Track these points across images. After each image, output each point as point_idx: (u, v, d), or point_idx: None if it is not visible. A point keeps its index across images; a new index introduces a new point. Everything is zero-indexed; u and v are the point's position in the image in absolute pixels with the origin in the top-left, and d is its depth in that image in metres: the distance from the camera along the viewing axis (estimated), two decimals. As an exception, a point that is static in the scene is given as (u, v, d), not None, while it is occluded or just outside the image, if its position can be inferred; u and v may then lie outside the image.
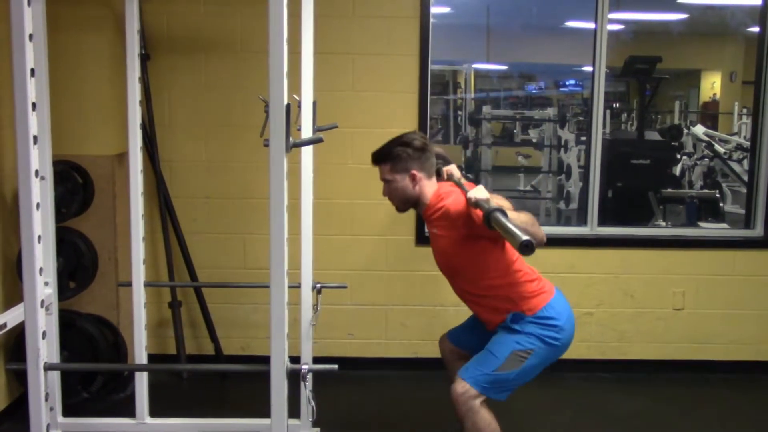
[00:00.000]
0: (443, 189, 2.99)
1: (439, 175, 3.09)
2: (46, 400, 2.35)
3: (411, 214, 4.33)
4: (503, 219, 2.49)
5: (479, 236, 2.80)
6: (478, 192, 2.71)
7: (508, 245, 2.88)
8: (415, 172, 2.97)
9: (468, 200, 2.73)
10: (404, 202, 3.06)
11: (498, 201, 2.72)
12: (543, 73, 10.39)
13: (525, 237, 2.32)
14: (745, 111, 8.93)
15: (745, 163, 7.09)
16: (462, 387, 2.83)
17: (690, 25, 9.16)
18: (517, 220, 2.56)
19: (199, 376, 4.43)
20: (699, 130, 7.73)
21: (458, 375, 2.89)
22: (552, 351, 2.89)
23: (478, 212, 2.66)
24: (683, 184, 7.41)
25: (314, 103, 3.39)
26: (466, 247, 2.87)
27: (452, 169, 3.13)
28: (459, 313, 3.37)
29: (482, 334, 3.03)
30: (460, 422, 2.89)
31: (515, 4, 8.66)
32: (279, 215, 2.17)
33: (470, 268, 2.93)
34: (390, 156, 3.00)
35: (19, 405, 3.69)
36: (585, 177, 4.72)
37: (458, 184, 3.00)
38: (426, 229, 4.37)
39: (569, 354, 4.49)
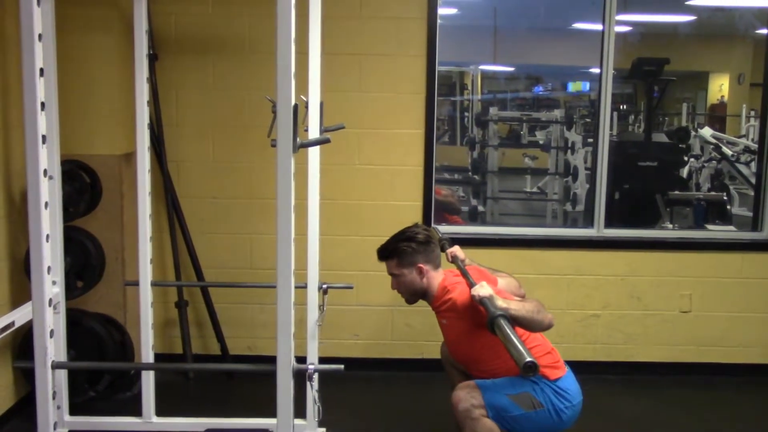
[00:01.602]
0: (449, 280, 3.06)
1: (443, 252, 3.17)
2: (54, 398, 2.36)
3: (417, 214, 4.35)
4: (507, 329, 2.50)
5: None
6: (482, 290, 2.74)
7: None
8: (421, 265, 3.06)
9: (472, 297, 2.77)
10: (413, 294, 3.14)
11: (504, 284, 2.81)
12: (550, 74, 10.37)
13: (528, 358, 2.31)
14: (753, 113, 8.87)
15: (753, 165, 7.06)
16: (467, 393, 2.85)
17: (698, 27, 9.13)
18: (523, 311, 2.64)
19: (206, 375, 4.44)
20: (706, 132, 7.70)
21: (474, 382, 2.90)
22: (553, 423, 2.89)
23: (483, 311, 2.69)
24: (690, 187, 7.37)
25: (321, 104, 3.39)
26: (476, 336, 2.90)
27: (456, 251, 3.26)
28: (465, 314, 3.37)
29: None
30: (459, 427, 2.89)
31: (522, 6, 8.64)
32: (286, 215, 2.18)
33: (483, 354, 2.96)
34: (396, 252, 3.11)
35: (27, 403, 3.70)
36: (592, 179, 4.71)
37: (462, 271, 3.06)
38: (431, 226, 4.37)
39: (575, 355, 4.51)
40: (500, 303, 2.66)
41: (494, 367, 2.94)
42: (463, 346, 3.02)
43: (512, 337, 2.45)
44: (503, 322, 2.52)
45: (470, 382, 2.91)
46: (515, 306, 2.67)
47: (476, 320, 2.84)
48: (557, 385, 2.89)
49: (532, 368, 2.30)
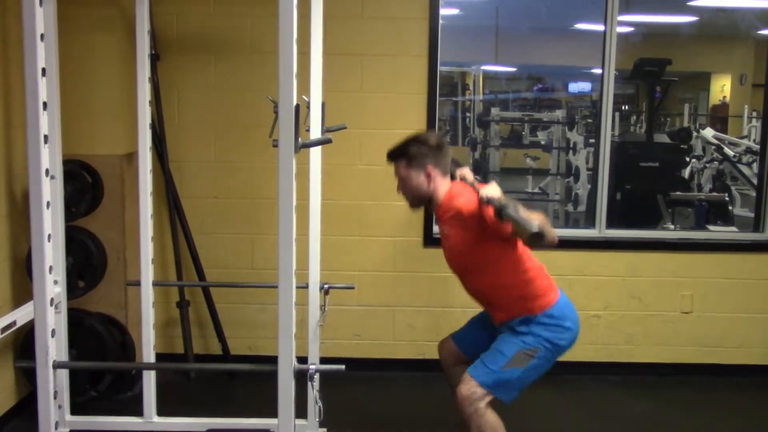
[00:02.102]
0: (456, 188, 2.99)
1: (452, 176, 3.10)
2: (55, 398, 2.36)
3: (419, 215, 4.34)
4: (514, 212, 2.51)
5: (491, 236, 2.80)
6: (491, 190, 2.72)
7: (519, 244, 2.88)
8: (430, 169, 2.98)
9: (480, 198, 2.73)
10: (418, 198, 3.06)
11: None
12: (552, 75, 10.38)
13: (536, 228, 2.35)
14: (754, 114, 8.87)
15: (755, 166, 7.06)
16: (468, 389, 2.83)
17: (700, 28, 9.14)
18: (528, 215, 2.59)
19: (207, 375, 4.44)
20: (708, 132, 7.70)
21: (466, 373, 2.89)
22: (557, 351, 2.90)
23: (490, 209, 2.66)
24: (692, 187, 7.38)
25: (323, 104, 3.39)
26: (478, 247, 2.87)
27: (465, 171, 3.14)
28: (466, 314, 3.37)
29: (487, 336, 3.03)
30: (465, 424, 2.89)
31: (524, 6, 8.65)
32: (287, 215, 2.18)
33: (481, 267, 2.93)
34: (406, 153, 3.01)
35: (28, 403, 3.70)
36: (593, 179, 4.72)
37: (471, 185, 3.00)
38: (435, 230, 4.38)
39: (576, 356, 4.49)
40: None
41: (487, 279, 2.93)
42: (462, 256, 2.97)
43: (520, 216, 2.47)
44: (510, 208, 2.53)
45: (465, 375, 2.89)
46: (524, 211, 2.63)
47: (479, 230, 2.80)
48: (546, 317, 2.86)
49: (539, 237, 2.37)
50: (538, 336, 2.86)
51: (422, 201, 3.06)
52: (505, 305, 2.94)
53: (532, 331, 2.86)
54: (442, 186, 3.00)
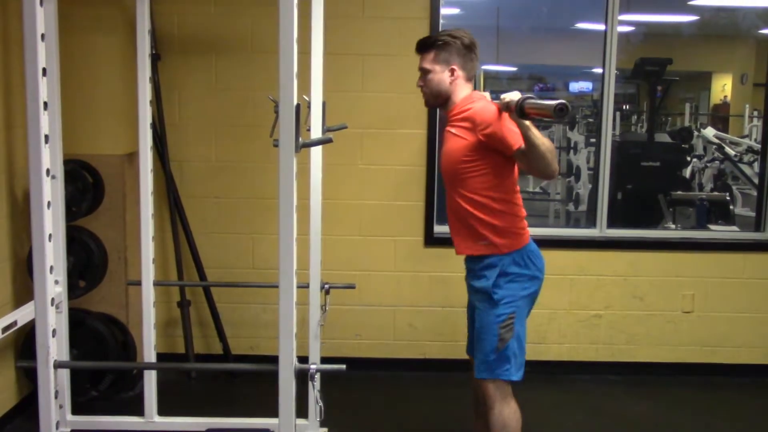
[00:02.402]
0: (476, 95, 2.95)
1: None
2: (56, 397, 2.37)
3: (420, 215, 4.35)
4: (534, 100, 2.50)
5: (494, 150, 2.76)
6: (512, 94, 2.64)
7: (515, 173, 2.87)
8: (455, 66, 2.93)
9: (501, 104, 2.67)
10: (436, 96, 3.00)
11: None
12: (553, 74, 10.37)
13: (558, 102, 2.35)
14: (756, 113, 8.86)
15: (756, 165, 7.05)
16: (489, 388, 2.87)
17: (701, 27, 9.12)
18: (543, 142, 2.59)
19: (208, 375, 4.44)
20: (709, 132, 7.70)
21: (477, 379, 2.91)
22: (529, 299, 2.91)
23: (503, 125, 2.67)
24: (693, 187, 7.37)
25: (324, 104, 3.39)
26: (477, 155, 2.81)
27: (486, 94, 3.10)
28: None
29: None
30: (484, 411, 2.91)
31: (525, 6, 8.63)
32: (288, 215, 2.18)
33: (473, 178, 2.86)
34: (437, 44, 2.96)
35: (29, 402, 3.70)
36: (594, 179, 4.72)
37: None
38: (435, 230, 4.38)
39: (578, 356, 4.51)
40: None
41: (471, 195, 2.87)
42: (458, 160, 2.88)
43: (541, 101, 2.46)
44: (530, 99, 2.52)
45: (479, 382, 2.91)
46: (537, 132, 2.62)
47: (485, 139, 2.76)
48: (511, 263, 2.85)
49: (563, 109, 2.36)
50: (505, 295, 2.84)
51: (440, 98, 3.00)
52: (475, 230, 2.88)
53: (498, 288, 2.84)
54: (463, 89, 2.95)
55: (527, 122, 2.56)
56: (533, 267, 2.90)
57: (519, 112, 2.55)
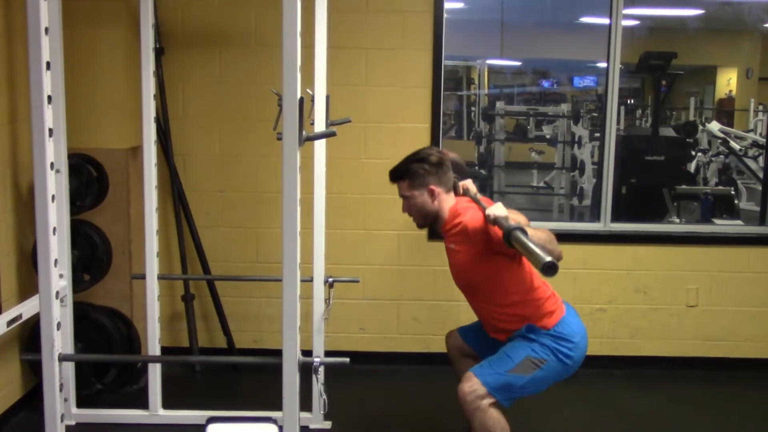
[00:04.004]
0: (460, 204, 2.99)
1: (455, 190, 3.10)
2: (61, 390, 2.37)
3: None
4: (524, 238, 2.47)
5: (497, 252, 2.80)
6: (497, 209, 2.71)
7: (525, 261, 2.86)
8: (433, 187, 2.98)
9: (486, 217, 2.73)
10: (424, 217, 3.06)
11: (515, 218, 2.73)
12: (557, 68, 10.35)
13: (548, 258, 2.30)
14: (761, 108, 8.86)
15: (761, 159, 7.05)
16: (470, 386, 2.83)
17: (706, 21, 9.10)
18: (535, 238, 2.55)
19: (212, 368, 4.45)
20: (714, 126, 7.69)
21: (470, 371, 2.89)
22: (563, 368, 2.88)
23: (497, 230, 2.65)
24: (698, 181, 7.37)
25: (327, 97, 3.40)
26: (484, 264, 2.87)
27: (468, 183, 3.15)
28: (471, 308, 3.37)
29: (491, 341, 3.03)
30: (467, 421, 2.89)
31: (529, 0, 8.63)
32: (292, 209, 2.18)
33: (488, 285, 2.93)
34: (407, 172, 3.02)
35: (34, 395, 3.72)
36: (598, 173, 4.70)
37: (475, 200, 3.00)
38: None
39: (581, 350, 4.47)
40: (515, 219, 2.63)
41: (494, 297, 2.92)
42: (468, 273, 2.97)
43: (529, 243, 2.42)
44: (519, 233, 2.50)
45: (468, 374, 2.89)
46: (530, 231, 2.61)
47: (485, 246, 2.80)
48: (557, 332, 2.85)
49: (551, 268, 2.29)
50: (546, 346, 2.85)
51: (428, 219, 3.07)
52: (509, 323, 2.93)
53: (540, 340, 2.86)
54: (447, 202, 3.01)
55: (518, 227, 2.55)
56: (576, 336, 2.89)
57: (506, 240, 2.56)
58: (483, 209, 2.80)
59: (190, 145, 4.35)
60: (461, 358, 3.24)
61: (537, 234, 2.62)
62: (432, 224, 3.10)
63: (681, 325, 4.52)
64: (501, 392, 2.83)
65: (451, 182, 3.05)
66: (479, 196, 3.06)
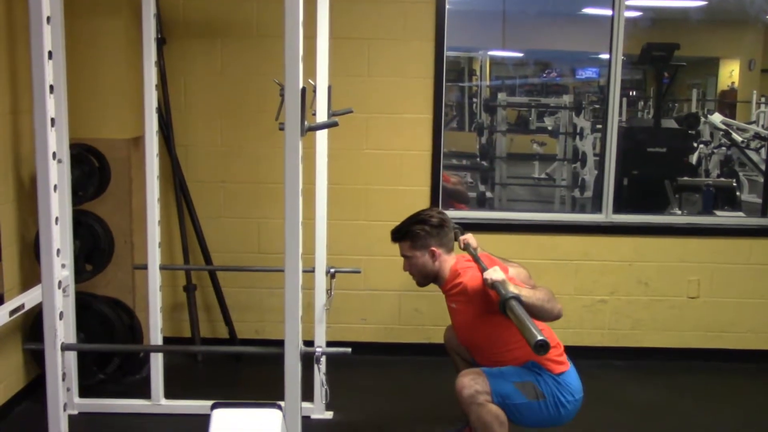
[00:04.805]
0: (460, 264, 3.05)
1: (456, 240, 3.17)
2: (63, 380, 2.38)
3: (425, 199, 4.35)
4: (519, 311, 2.50)
5: (497, 311, 2.79)
6: (495, 273, 2.74)
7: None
8: (434, 248, 3.06)
9: (484, 281, 2.77)
10: (425, 276, 3.14)
11: (515, 273, 2.85)
12: (559, 60, 10.31)
13: (540, 337, 2.31)
14: (763, 99, 8.82)
15: (763, 152, 7.03)
16: (472, 380, 2.84)
17: (709, 12, 9.05)
18: (534, 299, 2.63)
19: (214, 359, 4.46)
20: (716, 118, 7.65)
21: (480, 369, 2.91)
22: (555, 415, 2.88)
23: (495, 294, 2.69)
24: (700, 173, 7.34)
25: (329, 88, 3.39)
26: (485, 321, 2.91)
27: (469, 238, 3.25)
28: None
29: None
30: (464, 413, 2.90)
31: (531, -9, 8.60)
32: (293, 200, 2.18)
33: (491, 340, 2.96)
34: (409, 234, 3.10)
35: (37, 385, 3.73)
36: (600, 165, 4.70)
37: (474, 257, 3.07)
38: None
39: (583, 341, 4.52)
40: (512, 287, 2.66)
41: (499, 355, 2.95)
42: (470, 331, 3.03)
43: (524, 318, 2.45)
44: (515, 304, 2.53)
45: (475, 369, 2.91)
46: (526, 293, 2.66)
47: (485, 306, 2.85)
48: (561, 379, 2.89)
49: (543, 347, 2.29)
50: (548, 385, 2.87)
51: (429, 278, 3.14)
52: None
53: (544, 377, 2.88)
54: (447, 263, 3.08)
55: (514, 296, 2.57)
56: (576, 391, 2.91)
57: (501, 310, 2.59)
58: (482, 270, 2.86)
59: (192, 135, 4.35)
60: (459, 352, 3.26)
61: (536, 294, 2.69)
62: (432, 283, 3.17)
63: (682, 316, 4.53)
64: (500, 398, 2.83)
65: (452, 243, 3.15)
66: (479, 251, 3.15)
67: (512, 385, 2.85)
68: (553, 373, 2.89)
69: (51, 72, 2.18)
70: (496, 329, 2.90)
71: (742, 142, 7.35)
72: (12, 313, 3.18)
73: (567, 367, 2.95)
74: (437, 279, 3.12)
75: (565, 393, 2.88)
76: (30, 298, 3.31)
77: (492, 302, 2.79)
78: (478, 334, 2.99)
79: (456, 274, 3.02)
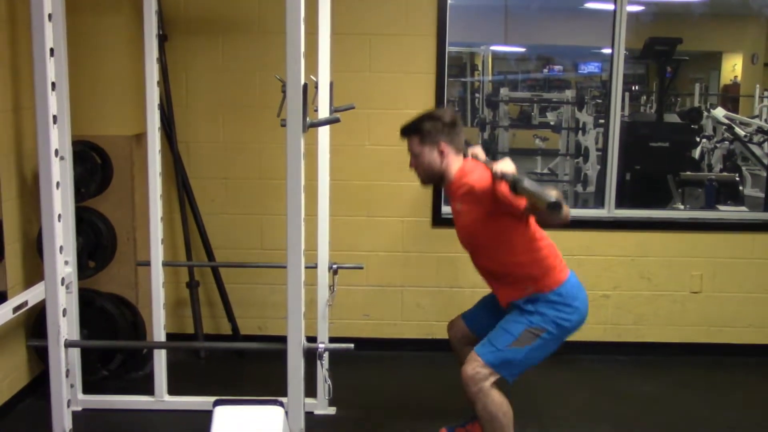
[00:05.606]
0: (468, 165, 2.98)
1: (464, 157, 3.09)
2: (67, 376, 2.39)
3: (427, 195, 4.34)
4: (529, 184, 2.49)
5: (503, 213, 2.80)
6: (505, 165, 2.70)
7: (532, 222, 2.88)
8: (443, 146, 2.97)
9: (494, 174, 2.71)
10: (430, 175, 3.05)
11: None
12: (561, 54, 10.31)
13: (554, 198, 2.33)
14: (766, 93, 8.82)
15: (766, 146, 7.03)
16: (473, 368, 2.85)
17: (711, 7, 9.05)
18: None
19: (217, 355, 4.47)
20: (719, 112, 7.65)
21: (473, 351, 2.91)
22: (563, 332, 2.90)
23: (505, 189, 2.65)
24: (702, 167, 7.34)
25: (331, 84, 3.39)
26: (490, 224, 2.87)
27: (477, 150, 3.12)
28: (475, 294, 3.38)
29: (496, 315, 3.03)
30: (471, 404, 2.91)
31: (534, -15, 8.59)
32: (296, 196, 2.18)
33: (494, 244, 2.93)
34: (420, 129, 3.00)
35: (41, 382, 3.74)
36: (603, 160, 4.70)
37: (484, 163, 2.99)
38: (443, 210, 4.38)
39: (586, 336, 4.48)
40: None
41: (503, 258, 2.93)
42: (473, 233, 2.97)
43: (535, 187, 2.45)
44: (526, 179, 2.52)
45: (472, 354, 2.91)
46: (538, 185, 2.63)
47: (493, 206, 2.80)
48: (555, 295, 2.87)
49: (557, 206, 2.34)
50: (545, 315, 2.86)
51: (434, 178, 3.05)
52: (514, 283, 2.94)
53: (539, 310, 2.87)
54: (455, 163, 2.99)
55: (527, 183, 2.55)
56: (576, 300, 2.92)
57: (513, 189, 2.57)
58: (491, 169, 2.78)
59: (194, 132, 4.35)
60: (464, 347, 3.24)
61: (545, 188, 2.63)
62: (437, 183, 3.10)
63: (685, 311, 4.53)
64: (503, 368, 2.86)
65: (461, 144, 3.04)
66: (489, 162, 3.01)
67: (507, 350, 2.84)
68: (552, 289, 2.87)
69: (53, 69, 2.18)
70: (501, 231, 2.87)
71: (745, 136, 7.34)
72: (15, 310, 3.19)
73: (565, 276, 2.93)
74: (443, 179, 3.03)
75: (564, 309, 2.87)
76: (33, 295, 3.32)
77: (500, 201, 2.73)
78: (482, 236, 2.93)
79: (463, 174, 2.94)
